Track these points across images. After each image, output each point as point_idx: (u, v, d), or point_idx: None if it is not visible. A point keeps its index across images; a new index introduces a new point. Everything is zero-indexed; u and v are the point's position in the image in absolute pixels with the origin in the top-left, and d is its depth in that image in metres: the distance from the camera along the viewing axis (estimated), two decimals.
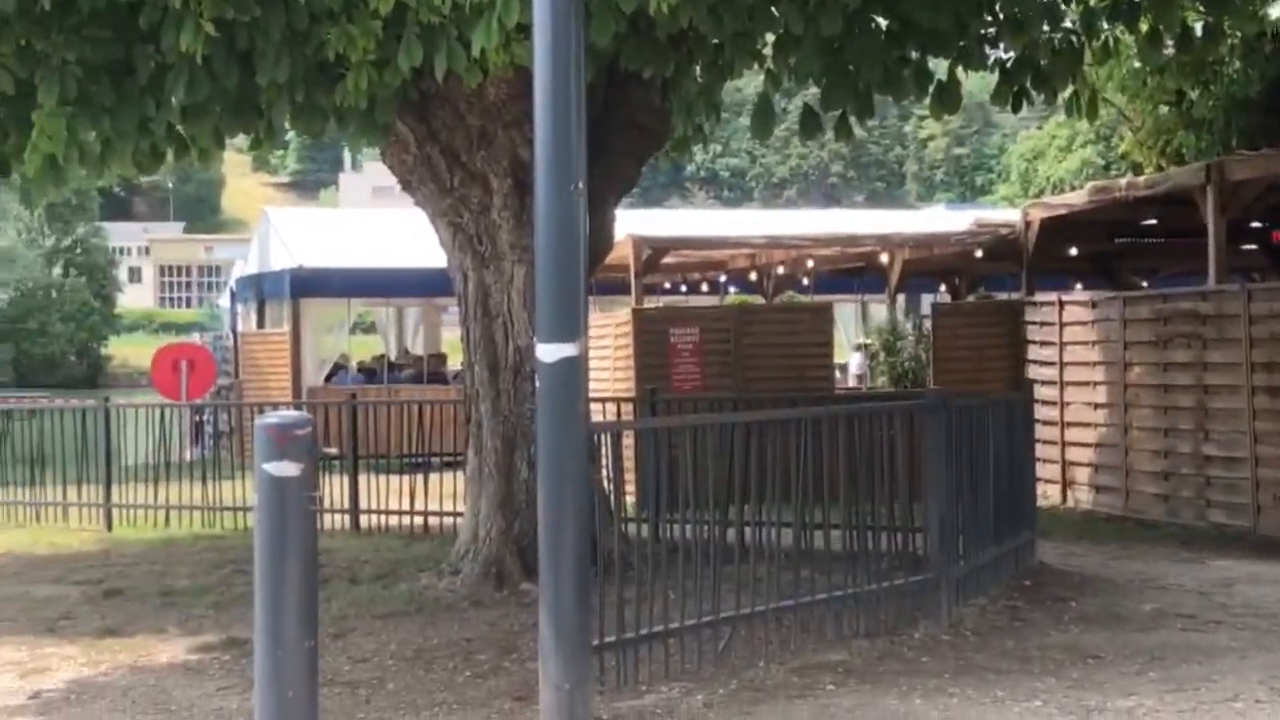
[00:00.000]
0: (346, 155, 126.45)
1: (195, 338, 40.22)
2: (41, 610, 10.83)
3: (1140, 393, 15.28)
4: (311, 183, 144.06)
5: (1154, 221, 18.81)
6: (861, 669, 8.02)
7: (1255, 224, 18.68)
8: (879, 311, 28.29)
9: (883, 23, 9.88)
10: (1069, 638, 8.92)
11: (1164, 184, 15.97)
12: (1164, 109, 22.01)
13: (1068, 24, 10.38)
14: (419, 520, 14.55)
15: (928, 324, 20.92)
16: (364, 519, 15.07)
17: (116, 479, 16.31)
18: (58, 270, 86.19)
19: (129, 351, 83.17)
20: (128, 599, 11.26)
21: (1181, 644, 8.69)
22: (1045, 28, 10.20)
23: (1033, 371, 17.11)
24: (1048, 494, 16.04)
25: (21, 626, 10.22)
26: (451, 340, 28.71)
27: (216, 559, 13.12)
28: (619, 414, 14.21)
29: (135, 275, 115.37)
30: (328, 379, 26.54)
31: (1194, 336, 14.52)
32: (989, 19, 10.12)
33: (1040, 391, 15.43)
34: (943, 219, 33.31)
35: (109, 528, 15.87)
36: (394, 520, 14.79)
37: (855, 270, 25.67)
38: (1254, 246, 20.06)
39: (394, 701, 7.66)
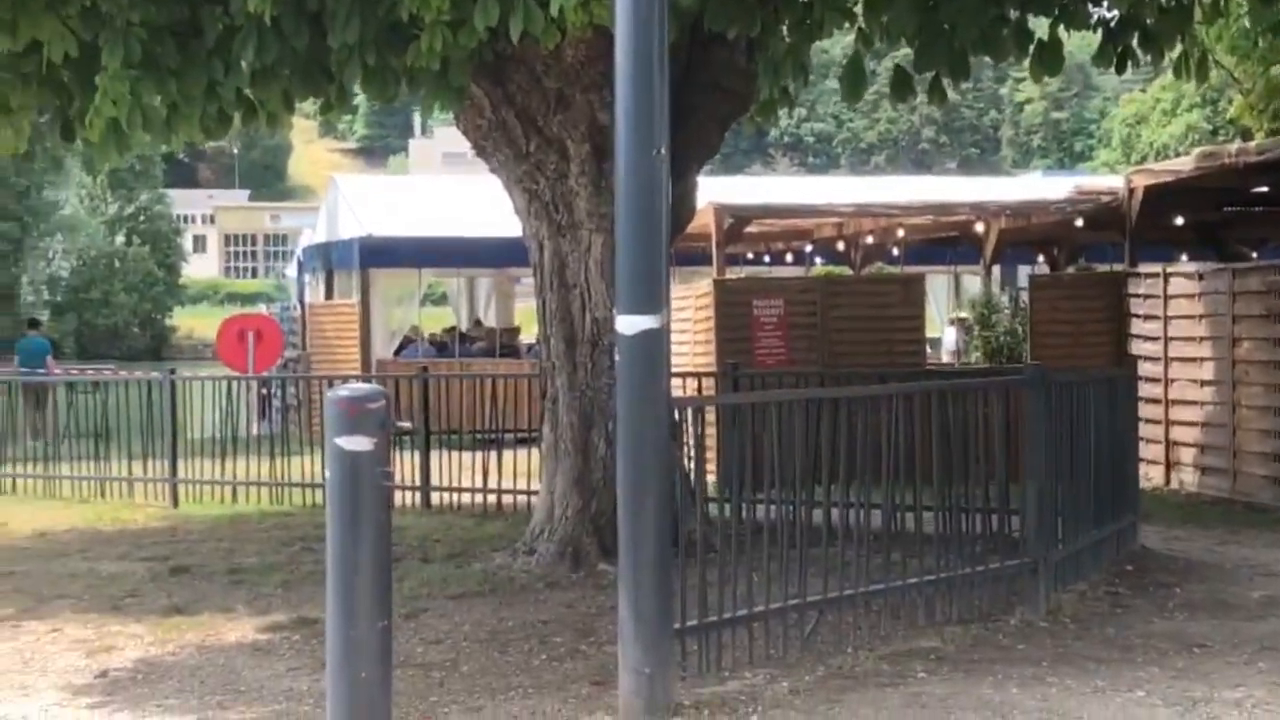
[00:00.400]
0: (417, 120, 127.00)
1: (262, 309, 40.54)
2: (107, 588, 10.99)
3: (1249, 369, 15.09)
4: (380, 149, 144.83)
5: (1265, 189, 18.55)
6: (955, 656, 8.00)
7: None
8: (973, 283, 28.10)
9: None
10: (1173, 626, 8.85)
11: (1276, 149, 15.74)
12: (1276, 70, 21.68)
13: None
14: (492, 498, 14.63)
15: (1024, 296, 20.75)
16: (435, 496, 15.17)
17: (182, 453, 16.50)
18: (121, 238, 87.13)
19: (194, 323, 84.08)
20: (195, 577, 11.41)
21: None
22: None
23: (1135, 347, 16.95)
24: (1150, 475, 15.88)
25: (87, 604, 10.38)
26: (525, 312, 28.81)
27: (285, 536, 13.26)
28: (700, 389, 14.20)
29: (200, 244, 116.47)
30: (397, 352, 26.67)
31: None
32: None
33: (1143, 368, 15.26)
34: (1040, 186, 32.99)
35: (175, 504, 16.07)
36: (466, 498, 14.88)
37: (948, 240, 25.50)
38: None
39: (468, 684, 7.71)
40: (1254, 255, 22.88)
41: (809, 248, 27.90)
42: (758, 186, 34.54)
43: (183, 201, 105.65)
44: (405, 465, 14.86)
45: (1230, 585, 10.19)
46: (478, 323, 28.99)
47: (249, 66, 9.51)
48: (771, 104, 12.46)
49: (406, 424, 15.95)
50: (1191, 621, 8.97)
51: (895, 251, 27.01)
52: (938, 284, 29.76)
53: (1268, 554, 11.73)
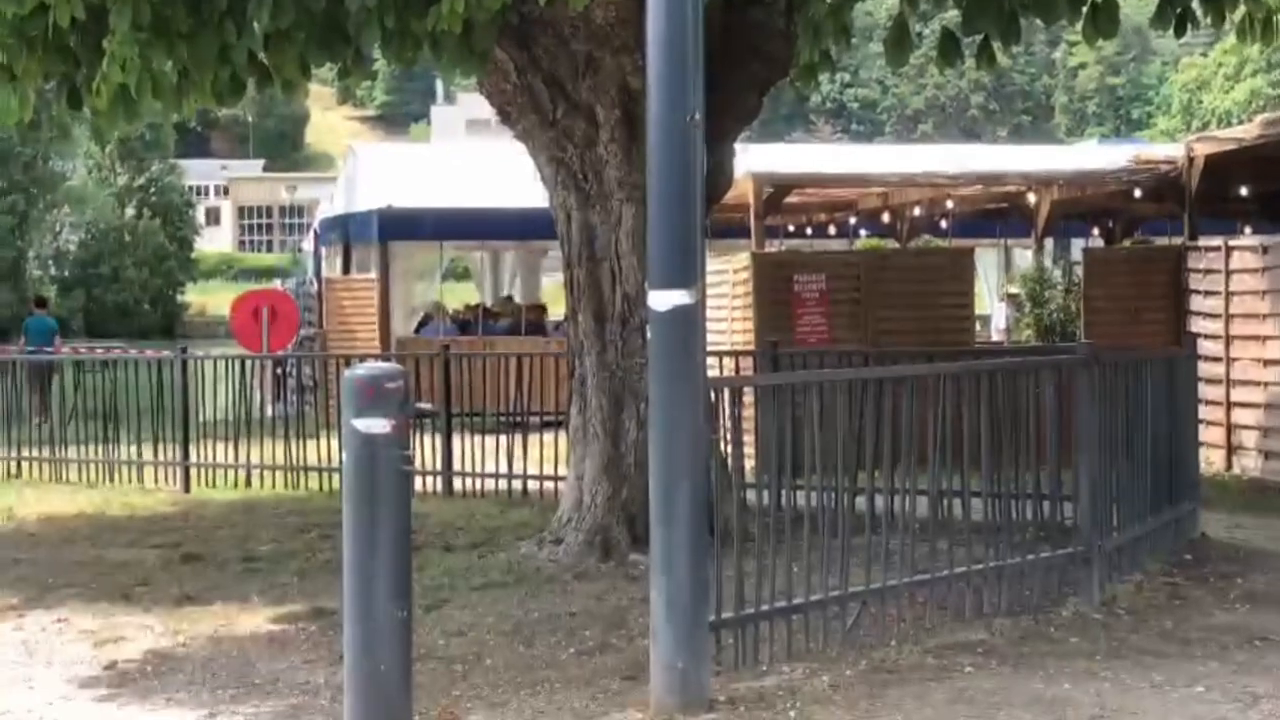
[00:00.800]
0: (439, 86, 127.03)
1: (277, 284, 40.67)
2: (116, 575, 11.04)
3: None
4: (401, 116, 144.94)
5: None
6: (1003, 649, 7.97)
7: None
8: (1024, 258, 28.02)
9: None
10: (1235, 618, 8.81)
11: None
12: None
13: None
14: (517, 484, 14.64)
15: (1078, 271, 20.67)
16: (458, 482, 15.19)
17: (194, 436, 16.56)
18: (131, 211, 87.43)
19: (206, 299, 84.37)
20: (207, 564, 11.45)
21: None
22: None
23: (1195, 324, 16.85)
24: (1211, 460, 15.82)
25: (95, 593, 10.42)
26: (552, 287, 28.77)
27: (301, 523, 13.29)
28: (737, 369, 14.19)
29: (213, 217, 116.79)
30: (418, 329, 26.72)
31: None
32: None
33: (1203, 346, 15.18)
34: (1096, 155, 32.84)
35: (186, 488, 16.14)
36: (490, 484, 14.89)
37: (998, 212, 25.41)
38: None
39: (492, 679, 7.72)
40: None
41: (853, 219, 27.84)
42: (799, 154, 34.49)
43: (195, 172, 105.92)
44: (426, 449, 14.88)
45: None
46: (509, 299, 28.97)
47: (263, 30, 9.51)
48: (812, 68, 12.41)
49: (427, 405, 15.93)
50: (1254, 613, 8.93)
51: (943, 224, 26.96)
52: (987, 258, 29.71)
53: None
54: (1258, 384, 15.95)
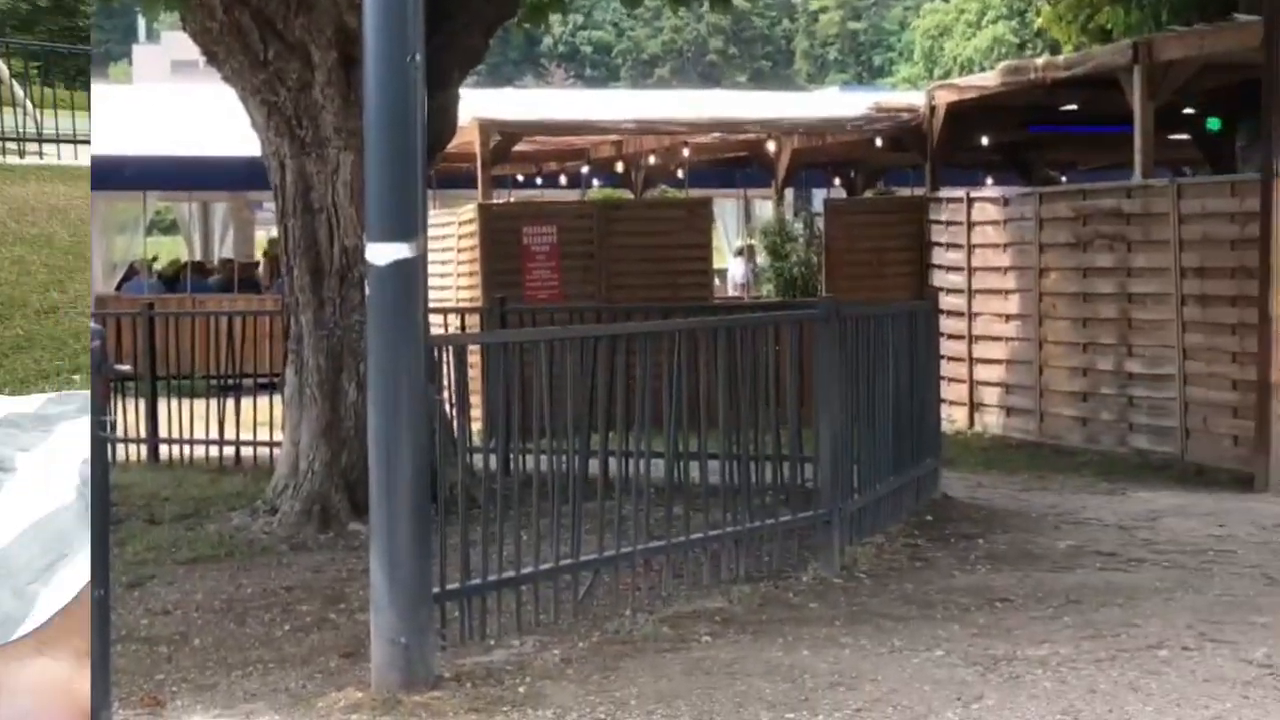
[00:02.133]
0: (140, 23, 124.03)
1: None
2: None
3: (1057, 302, 15.51)
4: (99, 56, 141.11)
5: (1074, 107, 19.04)
6: (742, 617, 8.07)
7: (1187, 110, 18.99)
8: (765, 209, 28.42)
9: None
10: (975, 579, 9.05)
11: (1085, 64, 16.16)
12: None
13: None
14: (229, 451, 14.42)
15: (820, 223, 21.07)
16: (164, 449, 14.94)
17: None
18: None
19: None
20: None
21: (1100, 585, 8.85)
22: None
23: (938, 278, 17.28)
24: (953, 417, 16.26)
25: None
26: (266, 241, 28.36)
27: None
28: (463, 326, 14.15)
29: None
30: (120, 285, 26.16)
31: (1117, 238, 14.74)
32: None
33: (946, 300, 15.60)
34: (837, 103, 33.46)
35: None
36: (199, 451, 14.65)
37: (737, 161, 25.73)
38: (1186, 136, 20.40)
39: (200, 660, 7.58)
40: (1063, 179, 23.50)
41: (585, 169, 27.94)
42: (528, 100, 34.47)
43: None
44: (128, 414, 14.58)
45: (1036, 535, 10.45)
46: (241, 263, 28.37)
47: None
48: (542, 9, 12.42)
49: (128, 367, 15.62)
50: (994, 574, 9.18)
51: (680, 173, 27.20)
52: (727, 209, 30.10)
53: (1075, 500, 12.10)
54: (999, 339, 16.44)
